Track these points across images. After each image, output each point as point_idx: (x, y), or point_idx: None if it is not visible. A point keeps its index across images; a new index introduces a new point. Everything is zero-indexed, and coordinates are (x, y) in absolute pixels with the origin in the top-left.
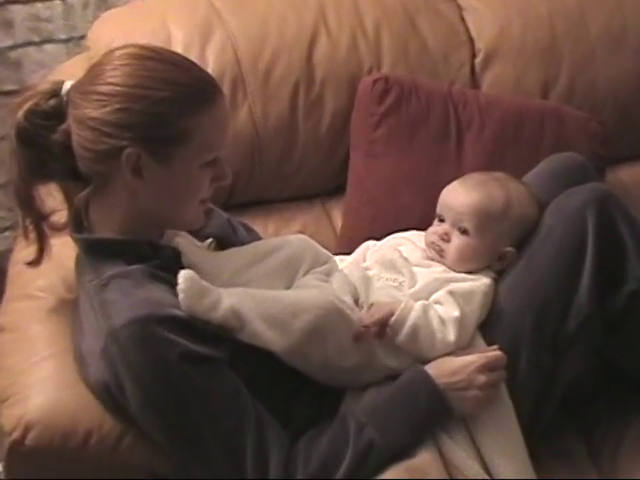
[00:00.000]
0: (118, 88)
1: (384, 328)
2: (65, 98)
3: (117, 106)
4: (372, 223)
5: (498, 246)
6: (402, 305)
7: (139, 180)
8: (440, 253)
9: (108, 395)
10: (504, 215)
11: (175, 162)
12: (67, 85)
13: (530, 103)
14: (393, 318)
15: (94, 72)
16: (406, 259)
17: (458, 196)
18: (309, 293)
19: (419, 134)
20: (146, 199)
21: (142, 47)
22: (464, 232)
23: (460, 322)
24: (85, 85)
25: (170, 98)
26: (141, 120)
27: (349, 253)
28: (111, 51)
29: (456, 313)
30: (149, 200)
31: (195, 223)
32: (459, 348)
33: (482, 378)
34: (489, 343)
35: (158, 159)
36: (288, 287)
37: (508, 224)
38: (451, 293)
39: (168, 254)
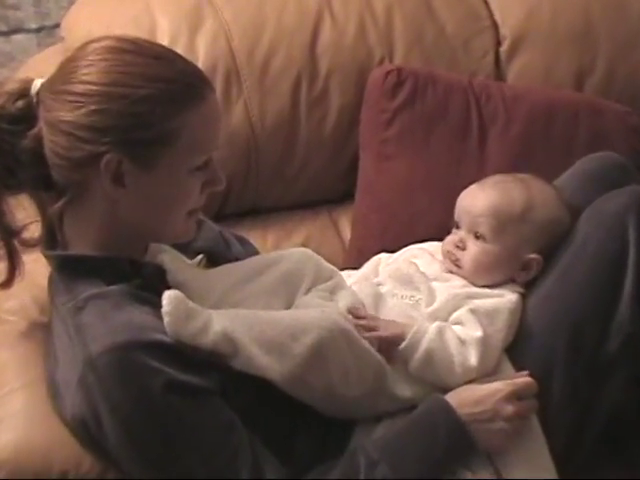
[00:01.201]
0: (93, 87)
1: (389, 348)
2: (35, 99)
3: (93, 107)
4: (384, 233)
5: (520, 253)
6: (415, 328)
7: (120, 189)
8: (456, 263)
9: (85, 431)
10: (525, 217)
11: (161, 167)
12: (37, 84)
13: (562, 96)
14: (404, 343)
15: (66, 69)
16: (423, 274)
17: (475, 199)
18: (310, 313)
19: (437, 132)
20: (129, 210)
21: (119, 39)
22: (480, 238)
23: (483, 344)
24: (57, 84)
25: (152, 96)
26: (120, 122)
27: (359, 268)
28: (85, 45)
29: (478, 333)
30: (132, 211)
31: (185, 236)
32: (483, 374)
33: (510, 408)
34: (518, 368)
35: (142, 165)
36: (287, 307)
37: (530, 228)
38: (473, 311)
39: (151, 272)
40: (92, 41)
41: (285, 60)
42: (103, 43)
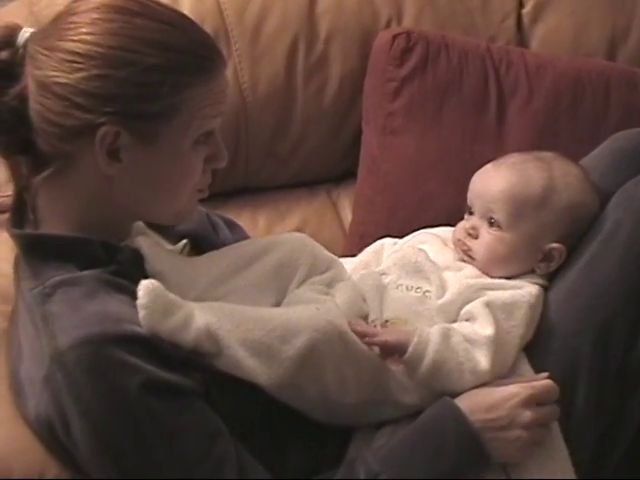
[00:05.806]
0: (98, 49)
1: (389, 354)
2: (21, 51)
3: (95, 72)
4: (390, 217)
5: (539, 242)
6: (415, 339)
7: (116, 164)
8: (468, 253)
9: (51, 434)
10: (545, 201)
11: (162, 141)
12: (25, 34)
13: (592, 65)
14: (406, 355)
15: (63, 24)
16: (434, 262)
17: (489, 181)
18: (304, 311)
19: (450, 104)
20: (123, 188)
21: None
22: (495, 225)
23: (495, 342)
24: (51, 39)
25: (163, 66)
26: (125, 91)
27: None
28: None
29: (488, 331)
30: (127, 189)
31: (187, 216)
32: (498, 376)
33: (528, 414)
34: (537, 371)
35: (141, 138)
36: (278, 301)
37: (551, 214)
38: (487, 304)
39: (128, 258)
40: None
41: (280, 20)
42: (107, 0)
